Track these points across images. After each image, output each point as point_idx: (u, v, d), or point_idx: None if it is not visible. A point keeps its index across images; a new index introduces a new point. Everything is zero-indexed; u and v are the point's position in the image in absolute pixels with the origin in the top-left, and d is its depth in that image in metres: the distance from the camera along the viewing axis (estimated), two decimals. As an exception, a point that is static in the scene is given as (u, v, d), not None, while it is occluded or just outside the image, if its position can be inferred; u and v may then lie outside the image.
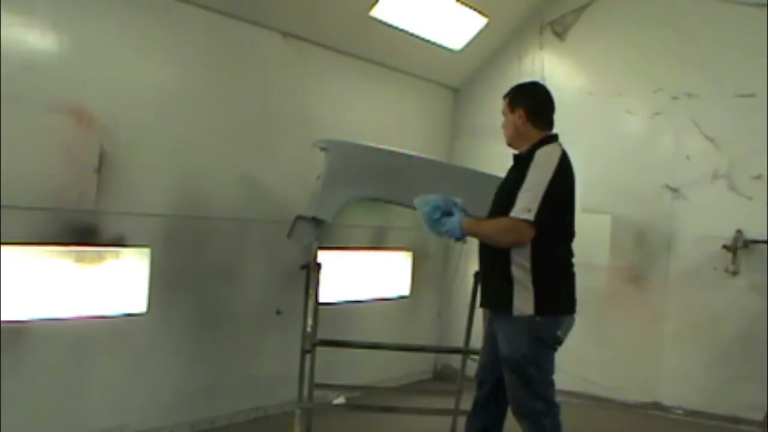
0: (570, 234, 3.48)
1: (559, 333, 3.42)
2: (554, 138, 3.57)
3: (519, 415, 3.49)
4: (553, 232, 3.32)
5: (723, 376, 5.74)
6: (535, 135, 3.53)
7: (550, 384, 3.53)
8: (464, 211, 3.46)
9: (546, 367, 3.49)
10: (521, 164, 3.43)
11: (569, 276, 3.49)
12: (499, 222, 3.35)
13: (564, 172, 3.37)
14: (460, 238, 3.45)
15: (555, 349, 3.49)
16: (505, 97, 3.64)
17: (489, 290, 3.55)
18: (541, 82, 3.99)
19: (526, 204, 3.23)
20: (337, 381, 5.14)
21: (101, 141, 4.21)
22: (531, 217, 3.21)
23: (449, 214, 3.43)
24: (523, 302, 3.33)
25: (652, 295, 6.09)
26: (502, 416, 3.62)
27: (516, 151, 3.59)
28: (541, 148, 3.43)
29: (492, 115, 6.72)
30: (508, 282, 3.36)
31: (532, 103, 3.58)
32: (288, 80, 5.36)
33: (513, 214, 3.26)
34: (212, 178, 4.89)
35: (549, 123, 3.62)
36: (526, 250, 3.32)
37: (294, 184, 5.21)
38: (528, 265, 3.33)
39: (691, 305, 5.92)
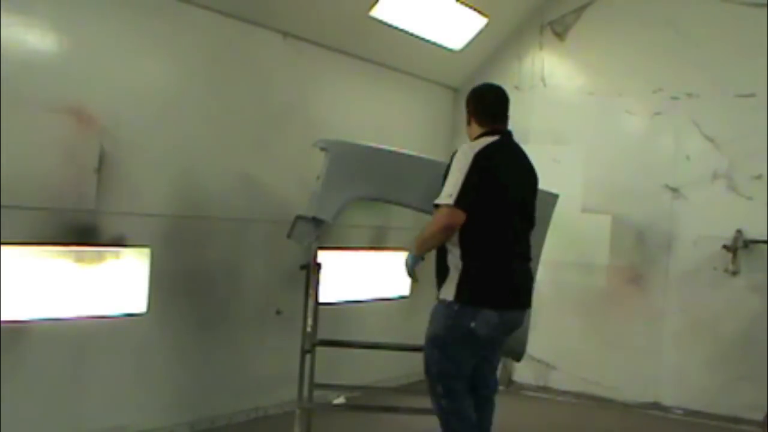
0: (504, 230, 3.57)
1: (473, 325, 3.48)
2: (492, 133, 3.68)
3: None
4: (482, 225, 3.48)
5: (723, 376, 5.74)
6: (477, 132, 3.72)
7: (454, 375, 3.59)
8: None
9: (453, 356, 3.56)
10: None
11: (501, 271, 3.56)
12: (431, 220, 3.58)
13: (482, 166, 3.48)
14: (416, 260, 3.68)
15: (470, 342, 3.54)
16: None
17: (436, 277, 3.73)
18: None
19: (447, 190, 3.45)
20: (337, 381, 5.14)
21: (101, 141, 4.21)
22: (451, 201, 3.41)
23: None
24: (448, 288, 3.56)
25: (652, 295, 6.09)
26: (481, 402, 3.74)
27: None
28: (467, 143, 3.64)
29: (492, 115, 6.80)
30: (445, 269, 3.62)
31: (475, 105, 3.79)
32: (288, 80, 5.36)
33: (436, 201, 3.49)
34: (212, 178, 4.89)
35: (492, 121, 3.75)
36: (457, 241, 3.53)
37: (294, 184, 5.21)
38: (458, 254, 3.55)
39: (691, 305, 5.92)
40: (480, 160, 3.47)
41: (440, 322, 3.57)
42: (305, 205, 4.44)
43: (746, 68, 5.79)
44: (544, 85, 6.62)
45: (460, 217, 3.42)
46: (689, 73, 6.00)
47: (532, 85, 6.66)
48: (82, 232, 4.17)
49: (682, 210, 6.00)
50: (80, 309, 4.21)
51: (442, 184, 3.53)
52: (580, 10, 6.47)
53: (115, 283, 4.40)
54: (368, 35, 5.78)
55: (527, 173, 3.81)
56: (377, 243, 6.17)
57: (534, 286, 3.86)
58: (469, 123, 3.80)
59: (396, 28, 5.84)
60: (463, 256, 3.53)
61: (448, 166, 3.57)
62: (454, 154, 3.60)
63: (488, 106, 3.77)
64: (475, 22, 6.32)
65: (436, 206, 3.49)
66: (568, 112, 6.52)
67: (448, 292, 3.56)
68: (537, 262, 4.72)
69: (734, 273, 5.74)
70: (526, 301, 3.74)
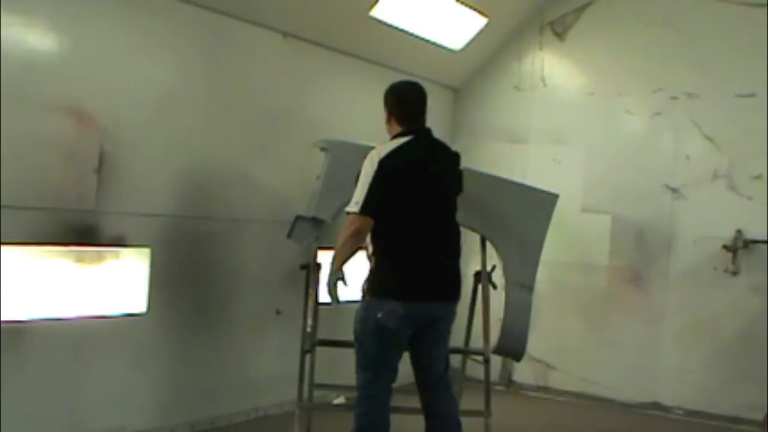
0: (413, 227, 3.66)
1: (379, 316, 3.60)
2: (408, 133, 3.74)
3: None
4: (390, 224, 3.62)
5: (723, 376, 5.74)
6: (396, 131, 3.78)
7: (370, 367, 3.71)
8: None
9: (368, 348, 3.70)
10: None
11: (407, 264, 3.66)
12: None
13: (387, 172, 3.58)
14: (335, 276, 3.69)
15: (381, 335, 3.64)
16: None
17: None
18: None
19: (354, 198, 3.60)
20: (337, 381, 5.13)
21: (101, 141, 4.21)
22: (357, 209, 3.56)
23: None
24: (366, 285, 3.74)
25: (652, 295, 6.09)
26: (431, 395, 3.84)
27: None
28: (376, 148, 3.70)
29: (492, 115, 6.81)
30: (369, 268, 3.79)
31: (396, 105, 3.81)
32: (288, 80, 5.36)
33: (346, 209, 3.66)
34: (212, 178, 4.89)
35: (410, 121, 3.79)
36: (369, 241, 3.69)
37: (294, 184, 5.21)
38: (371, 251, 3.73)
39: (691, 305, 5.92)
40: (384, 167, 3.58)
41: (356, 316, 3.73)
42: (305, 205, 4.45)
43: (746, 68, 5.79)
44: (544, 85, 6.62)
45: (367, 222, 3.58)
46: (689, 73, 6.00)
47: (532, 85, 6.67)
48: (82, 232, 4.17)
49: (682, 210, 6.00)
50: (80, 309, 4.21)
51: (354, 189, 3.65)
52: (580, 10, 6.47)
53: (115, 283, 4.40)
54: (368, 35, 5.78)
55: (444, 167, 3.85)
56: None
57: (458, 278, 3.83)
58: (388, 121, 3.82)
59: (396, 28, 5.84)
60: (374, 253, 3.71)
61: (359, 172, 3.64)
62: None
63: (409, 107, 3.80)
64: (475, 22, 6.33)
65: (348, 214, 3.63)
66: (568, 112, 6.51)
67: (366, 288, 3.75)
68: (537, 262, 4.73)
69: (734, 273, 5.74)
70: (443, 293, 3.75)
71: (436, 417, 3.84)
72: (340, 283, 3.69)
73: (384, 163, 3.59)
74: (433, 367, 3.85)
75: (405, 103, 3.80)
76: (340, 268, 3.68)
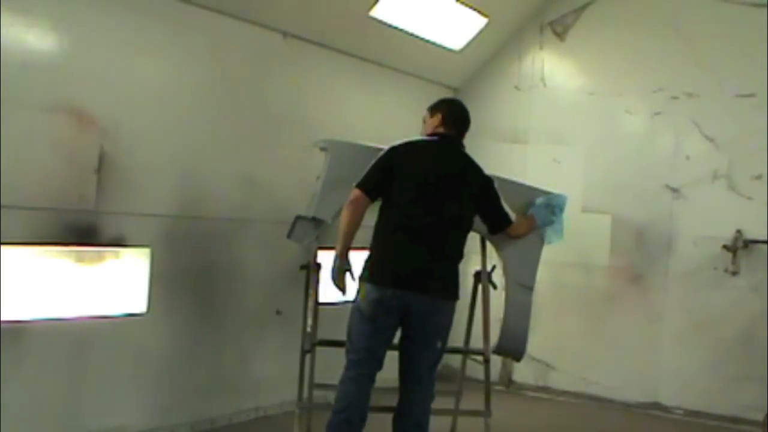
0: (400, 211, 3.77)
1: (357, 298, 3.79)
2: (435, 135, 4.01)
3: None
4: (385, 212, 3.84)
5: (723, 376, 5.74)
6: (431, 130, 4.04)
7: (351, 351, 3.83)
8: None
9: (350, 332, 3.84)
10: None
11: (385, 248, 3.79)
12: None
13: (391, 156, 3.84)
14: (339, 261, 3.87)
15: (359, 316, 3.77)
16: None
17: None
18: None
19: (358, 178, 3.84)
20: (337, 381, 5.12)
21: (101, 141, 4.21)
22: (356, 183, 3.81)
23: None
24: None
25: (652, 295, 6.09)
26: (402, 394, 3.89)
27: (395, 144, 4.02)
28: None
29: (492, 115, 6.81)
30: None
31: (442, 108, 4.11)
32: (288, 80, 5.36)
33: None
34: (212, 178, 4.89)
35: (448, 130, 4.02)
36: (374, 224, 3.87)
37: (294, 184, 5.21)
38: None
39: (691, 305, 5.92)
40: (393, 152, 3.85)
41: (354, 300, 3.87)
42: (305, 205, 4.44)
43: (746, 68, 5.80)
44: (544, 85, 6.62)
45: (361, 196, 3.77)
46: (689, 73, 6.00)
47: (532, 85, 6.67)
48: (82, 232, 4.17)
49: (682, 210, 6.00)
50: (80, 309, 4.21)
51: None
52: (580, 10, 6.48)
53: (115, 283, 4.40)
54: (368, 35, 5.78)
55: (462, 178, 3.92)
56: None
57: (446, 276, 3.84)
58: (426, 120, 4.08)
59: (396, 28, 5.84)
60: (371, 240, 3.87)
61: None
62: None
63: (452, 115, 4.03)
64: (475, 22, 6.33)
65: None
66: (568, 112, 6.52)
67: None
68: (537, 262, 4.72)
69: (734, 273, 5.74)
70: (420, 286, 3.74)
71: (400, 415, 3.86)
72: (347, 275, 3.81)
73: (394, 149, 3.86)
74: (411, 367, 3.83)
75: (452, 111, 4.04)
76: (342, 252, 3.81)
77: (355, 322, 3.81)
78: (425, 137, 3.99)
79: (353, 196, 3.79)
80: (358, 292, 3.82)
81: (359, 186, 3.79)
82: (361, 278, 3.82)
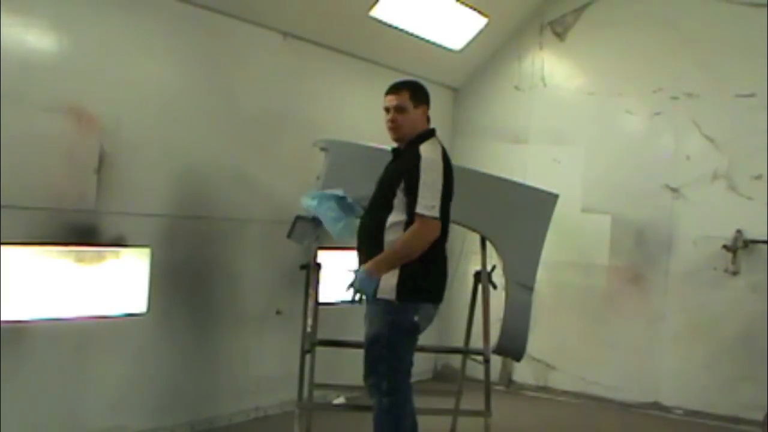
0: (444, 219, 3.55)
1: (416, 318, 3.53)
2: (433, 132, 3.73)
3: (367, 385, 3.61)
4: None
5: (723, 376, 5.74)
6: (423, 123, 3.71)
7: (403, 369, 3.58)
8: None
9: (400, 352, 3.56)
10: (405, 158, 3.59)
11: (434, 264, 3.58)
12: (410, 233, 3.46)
13: (445, 166, 3.57)
14: (374, 282, 3.46)
15: (414, 336, 3.59)
16: (398, 91, 3.67)
17: None
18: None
19: (429, 202, 3.43)
20: (337, 381, 5.13)
21: (101, 141, 4.22)
22: (436, 213, 3.43)
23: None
24: (388, 286, 3.48)
25: (652, 295, 6.09)
26: None
27: (395, 145, 3.75)
28: (424, 144, 3.59)
29: (492, 115, 6.81)
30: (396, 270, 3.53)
31: (427, 99, 3.76)
32: (288, 80, 5.36)
33: (419, 210, 3.42)
34: (212, 178, 4.89)
35: (427, 119, 3.78)
36: (397, 236, 3.47)
37: (294, 184, 5.21)
38: None
39: (691, 305, 5.92)
40: (444, 167, 3.55)
41: (381, 320, 3.57)
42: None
43: (746, 68, 5.80)
44: (544, 85, 6.62)
45: (438, 229, 3.47)
46: (689, 73, 6.00)
47: (532, 85, 6.67)
48: (82, 232, 4.17)
49: (682, 210, 6.00)
50: (80, 309, 4.21)
51: (410, 189, 3.47)
52: (580, 10, 6.47)
53: (115, 283, 4.40)
54: (368, 35, 5.78)
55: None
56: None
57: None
58: (410, 109, 3.65)
59: (396, 28, 5.84)
60: (420, 257, 3.50)
61: (411, 171, 3.49)
62: (419, 159, 3.50)
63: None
64: (475, 22, 6.33)
65: (422, 217, 3.42)
66: (568, 112, 6.52)
67: (389, 291, 3.55)
68: (537, 262, 4.73)
69: (734, 273, 5.74)
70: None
71: None
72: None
73: (443, 166, 3.55)
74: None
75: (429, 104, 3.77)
76: (388, 271, 3.47)
77: (404, 340, 3.56)
78: (438, 141, 3.68)
79: (436, 231, 3.45)
80: (408, 311, 3.51)
81: (438, 218, 3.45)
82: (412, 297, 3.51)
